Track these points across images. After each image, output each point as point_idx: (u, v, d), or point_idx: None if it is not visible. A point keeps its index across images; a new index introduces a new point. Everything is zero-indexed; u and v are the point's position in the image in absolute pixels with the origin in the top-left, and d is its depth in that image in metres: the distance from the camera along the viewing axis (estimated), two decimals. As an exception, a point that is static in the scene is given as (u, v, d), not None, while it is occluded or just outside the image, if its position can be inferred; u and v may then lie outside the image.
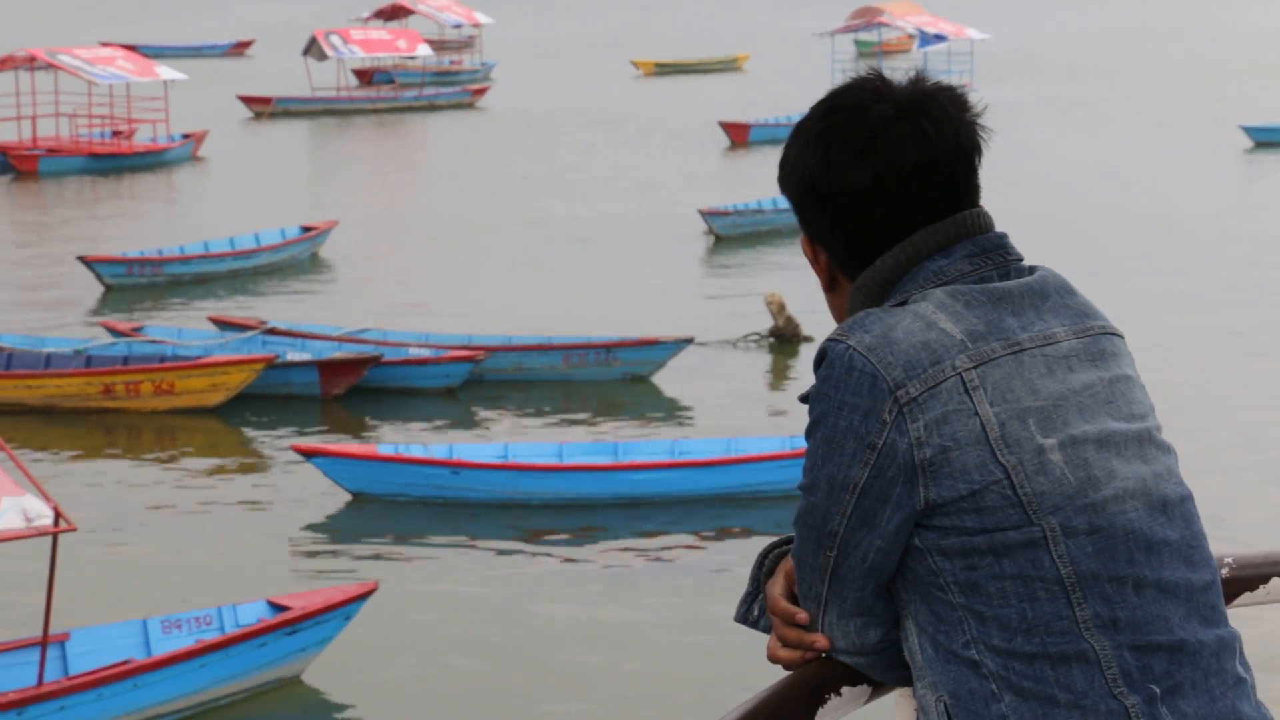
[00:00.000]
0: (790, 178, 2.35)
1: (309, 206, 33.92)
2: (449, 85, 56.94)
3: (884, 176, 2.28)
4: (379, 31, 54.82)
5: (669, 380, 20.57)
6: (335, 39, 51.68)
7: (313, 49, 51.94)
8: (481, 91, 54.47)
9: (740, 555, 14.93)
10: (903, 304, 2.26)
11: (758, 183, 35.42)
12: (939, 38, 55.68)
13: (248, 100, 50.82)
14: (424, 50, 53.21)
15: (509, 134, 46.19)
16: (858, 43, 65.74)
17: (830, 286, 2.37)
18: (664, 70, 65.81)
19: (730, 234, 30.03)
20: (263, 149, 43.42)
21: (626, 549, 15.10)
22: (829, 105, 2.33)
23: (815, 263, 2.37)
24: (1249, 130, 42.18)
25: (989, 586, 2.17)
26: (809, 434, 2.24)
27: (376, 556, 14.96)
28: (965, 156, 2.31)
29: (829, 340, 2.24)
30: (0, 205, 35.40)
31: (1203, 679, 2.20)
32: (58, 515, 10.88)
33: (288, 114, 50.28)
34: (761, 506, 16.02)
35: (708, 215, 30.15)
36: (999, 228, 2.35)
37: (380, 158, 43.41)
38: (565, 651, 12.77)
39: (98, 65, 40.96)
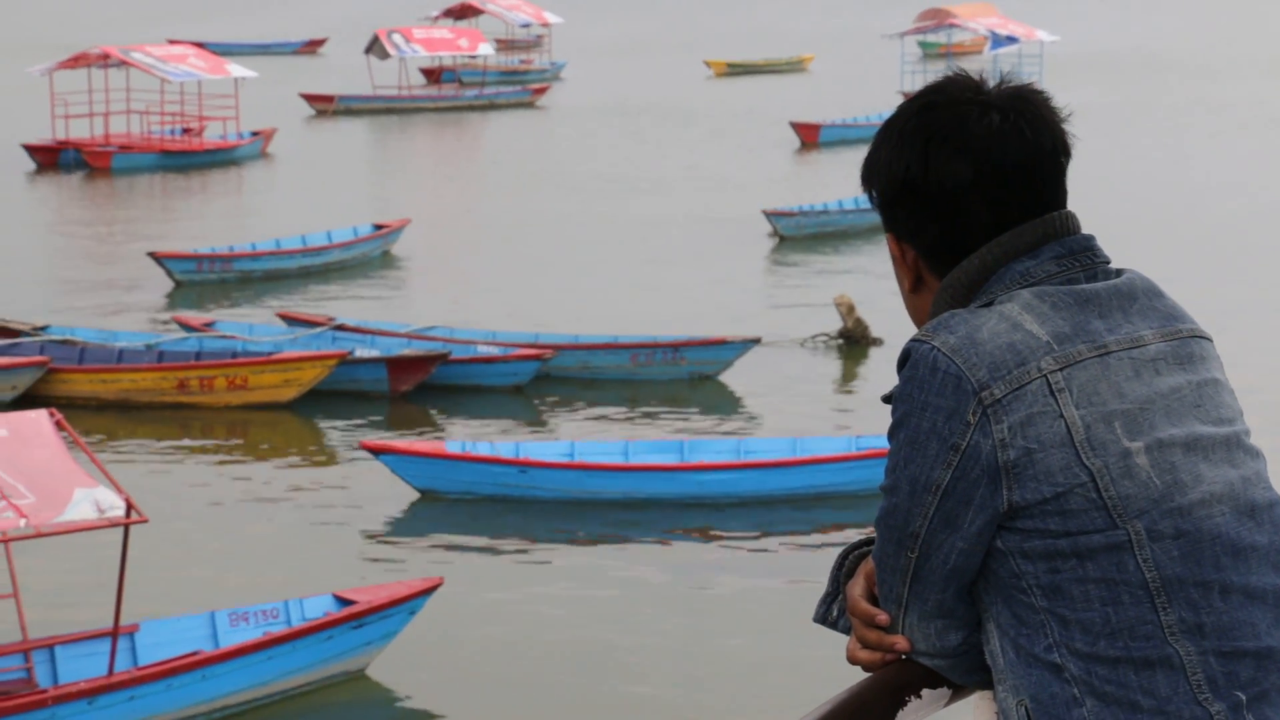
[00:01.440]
0: (881, 174, 2.33)
1: (378, 204, 34.09)
2: (510, 84, 57.09)
3: (984, 173, 2.27)
4: (441, 30, 54.99)
5: (736, 380, 20.56)
6: (397, 38, 51.88)
7: (375, 48, 52.21)
8: (542, 90, 54.60)
9: (806, 556, 14.90)
10: (988, 305, 2.24)
11: (829, 183, 35.35)
12: (1011, 39, 55.39)
13: (310, 98, 51.17)
14: (485, 49, 53.37)
15: (578, 133, 46.27)
16: (922, 44, 65.46)
17: (915, 287, 2.36)
18: (735, 70, 65.80)
19: (794, 235, 30.00)
20: (328, 147, 43.66)
21: (693, 548, 15.10)
22: (925, 102, 2.32)
23: (901, 262, 2.35)
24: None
25: (1072, 590, 2.16)
26: (891, 435, 2.23)
27: (442, 553, 15.02)
28: (1057, 158, 2.31)
29: (913, 341, 2.23)
30: (74, 201, 35.74)
31: (1290, 687, 2.17)
32: (129, 507, 10.97)
33: (349, 112, 50.59)
34: (827, 507, 15.98)
35: (772, 216, 30.12)
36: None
37: (446, 156, 43.58)
38: (630, 649, 12.77)
39: (170, 63, 41.30)
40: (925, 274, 2.34)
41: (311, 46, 76.29)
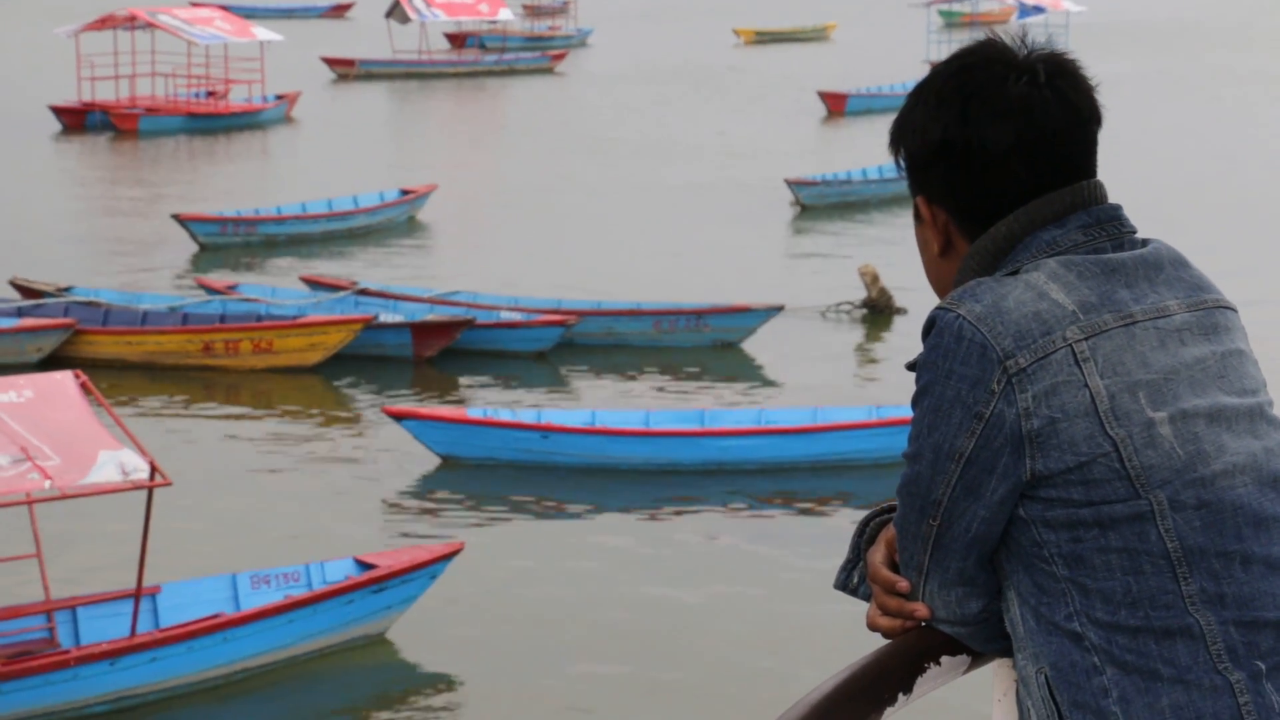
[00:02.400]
0: (915, 135, 2.31)
1: (403, 169, 34.10)
2: (529, 50, 57.24)
3: (1026, 137, 2.26)
4: None
5: (759, 348, 20.56)
6: (418, 2, 51.96)
7: (395, 12, 52.33)
8: (560, 57, 54.81)
9: (827, 523, 14.91)
10: (1014, 274, 2.24)
11: (855, 152, 35.28)
12: (1038, 9, 55.26)
13: (331, 62, 51.31)
14: (505, 14, 53.57)
15: (605, 99, 46.22)
16: (943, 13, 65.17)
17: (944, 251, 2.34)
18: (764, 38, 65.79)
19: (817, 204, 29.94)
20: (351, 111, 43.71)
21: (715, 515, 15.12)
22: (963, 64, 2.30)
23: (931, 225, 2.33)
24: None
25: (1094, 559, 2.16)
26: (915, 402, 2.23)
27: (464, 518, 15.05)
28: (1092, 125, 2.31)
29: (939, 309, 2.22)
30: (101, 163, 35.80)
31: (1309, 657, 2.17)
32: (153, 470, 11.01)
33: (370, 76, 50.70)
34: (847, 475, 15.99)
35: (794, 185, 30.06)
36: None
37: (470, 121, 43.56)
38: (650, 616, 12.80)
39: (197, 25, 41.34)
40: (956, 238, 2.33)
41: (338, 11, 76.31)
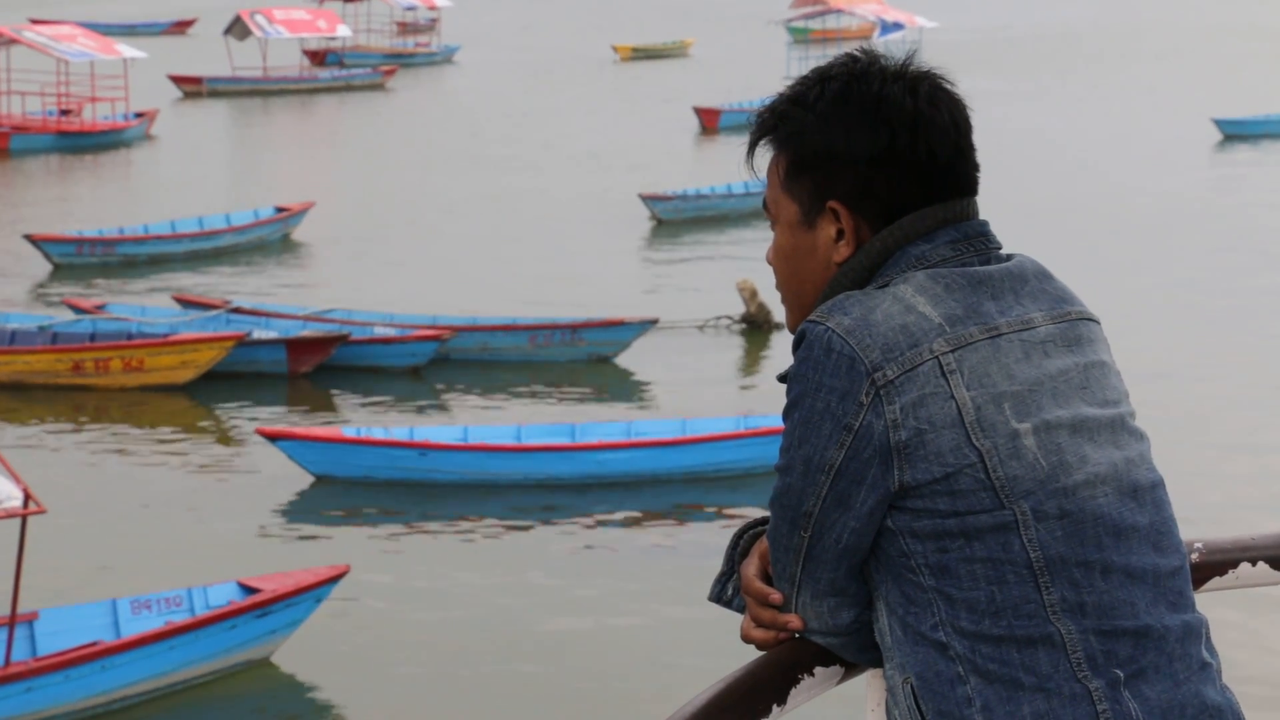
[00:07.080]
0: (841, 139, 2.29)
1: (271, 185, 33.83)
2: (361, 67, 57.76)
3: (962, 148, 2.32)
4: (299, 11, 55.47)
5: (634, 361, 20.60)
6: (260, 19, 52.28)
7: (235, 28, 52.42)
8: (391, 73, 55.60)
9: (702, 534, 14.97)
10: (884, 287, 2.26)
11: (731, 165, 35.42)
12: (897, 25, 55.86)
13: (178, 80, 51.14)
14: (344, 30, 55.20)
15: (478, 115, 46.13)
16: (791, 29, 65.46)
17: (847, 257, 2.32)
18: (640, 55, 66.12)
19: (674, 219, 30.03)
20: (205, 128, 43.61)
21: (591, 528, 15.14)
22: (895, 71, 2.31)
23: (852, 233, 2.31)
24: (1219, 123, 42.04)
25: (959, 569, 2.18)
26: (786, 415, 2.24)
27: (344, 538, 14.96)
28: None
29: (808, 322, 2.23)
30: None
31: (1167, 664, 2.21)
32: (27, 497, 10.84)
33: (216, 94, 50.63)
34: (719, 486, 16.08)
35: (649, 200, 30.13)
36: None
37: (330, 137, 43.40)
38: (532, 632, 12.79)
39: (63, 43, 40.95)
40: (864, 240, 2.32)
41: (180, 27, 76.15)
